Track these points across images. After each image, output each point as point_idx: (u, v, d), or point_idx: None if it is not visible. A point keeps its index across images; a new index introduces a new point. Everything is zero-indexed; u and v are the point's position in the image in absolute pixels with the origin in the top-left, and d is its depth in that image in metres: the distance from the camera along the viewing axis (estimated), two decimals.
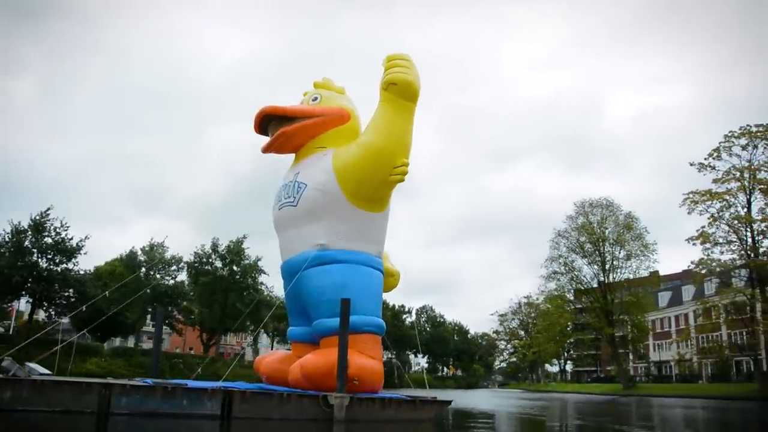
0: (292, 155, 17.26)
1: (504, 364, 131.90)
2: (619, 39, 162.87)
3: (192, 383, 13.05)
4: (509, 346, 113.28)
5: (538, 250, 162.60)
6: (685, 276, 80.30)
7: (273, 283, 59.80)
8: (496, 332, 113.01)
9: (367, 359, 14.13)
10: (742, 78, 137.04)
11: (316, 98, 16.69)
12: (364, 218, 15.48)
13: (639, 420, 18.40)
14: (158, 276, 47.79)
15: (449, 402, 15.52)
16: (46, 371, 13.55)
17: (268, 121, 16.55)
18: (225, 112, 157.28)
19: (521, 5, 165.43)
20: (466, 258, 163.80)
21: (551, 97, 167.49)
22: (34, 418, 11.05)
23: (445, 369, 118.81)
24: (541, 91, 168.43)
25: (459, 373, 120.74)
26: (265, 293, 58.93)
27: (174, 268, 48.85)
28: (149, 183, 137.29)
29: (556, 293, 62.54)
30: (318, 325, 14.68)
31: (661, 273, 66.01)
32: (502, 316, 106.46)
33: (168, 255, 48.45)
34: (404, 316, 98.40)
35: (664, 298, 71.47)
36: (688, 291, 68.51)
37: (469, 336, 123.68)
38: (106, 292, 26.13)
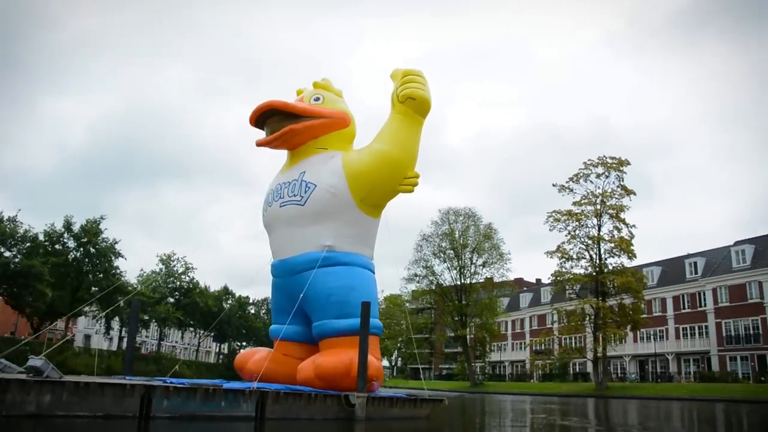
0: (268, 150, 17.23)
1: None
2: (463, 61, 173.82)
3: (227, 384, 12.62)
4: None
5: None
6: (517, 284, 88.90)
7: (126, 268, 56.02)
8: None
9: (375, 360, 14.65)
10: (569, 109, 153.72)
11: (318, 98, 16.71)
12: (366, 223, 15.97)
13: (577, 415, 20.60)
14: (8, 254, 42.53)
15: (442, 400, 16.52)
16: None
17: (266, 116, 16.28)
18: (63, 82, 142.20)
19: (376, 18, 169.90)
20: None
21: None
22: (78, 425, 10.07)
23: None
24: (385, 102, 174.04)
25: None
26: (120, 278, 55.05)
27: (29, 244, 43.83)
28: None
29: (414, 290, 66.29)
30: (324, 325, 14.83)
31: (495, 280, 72.30)
32: None
33: (21, 231, 43.37)
34: (249, 307, 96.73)
35: (502, 303, 78.20)
36: (525, 298, 75.98)
37: None
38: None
